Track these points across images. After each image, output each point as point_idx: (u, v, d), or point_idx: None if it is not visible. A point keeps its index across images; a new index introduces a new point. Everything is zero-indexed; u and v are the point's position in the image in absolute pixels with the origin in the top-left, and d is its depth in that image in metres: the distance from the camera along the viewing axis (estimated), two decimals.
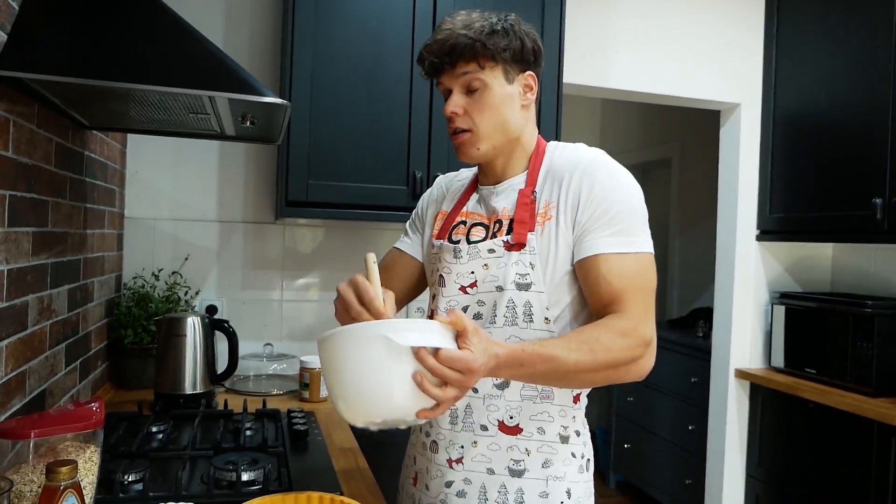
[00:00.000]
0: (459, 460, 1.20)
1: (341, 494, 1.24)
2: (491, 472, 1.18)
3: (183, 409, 1.85)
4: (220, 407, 1.90)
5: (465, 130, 1.19)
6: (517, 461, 1.17)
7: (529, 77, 1.20)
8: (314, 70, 2.10)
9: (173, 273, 2.35)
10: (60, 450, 1.06)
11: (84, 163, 1.76)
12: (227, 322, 2.02)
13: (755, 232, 2.98)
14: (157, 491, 1.25)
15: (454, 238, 1.27)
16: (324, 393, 2.11)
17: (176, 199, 2.39)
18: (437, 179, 1.43)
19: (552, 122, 2.28)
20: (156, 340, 2.06)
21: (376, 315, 1.03)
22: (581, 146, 1.23)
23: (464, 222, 1.28)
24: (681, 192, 4.39)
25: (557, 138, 2.25)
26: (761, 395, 2.89)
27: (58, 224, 1.55)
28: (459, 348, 0.94)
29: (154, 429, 1.63)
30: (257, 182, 2.46)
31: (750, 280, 2.98)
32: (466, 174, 1.37)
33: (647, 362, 1.10)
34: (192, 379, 1.91)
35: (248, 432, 1.64)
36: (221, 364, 2.03)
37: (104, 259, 2.05)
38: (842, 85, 2.62)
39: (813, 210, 2.73)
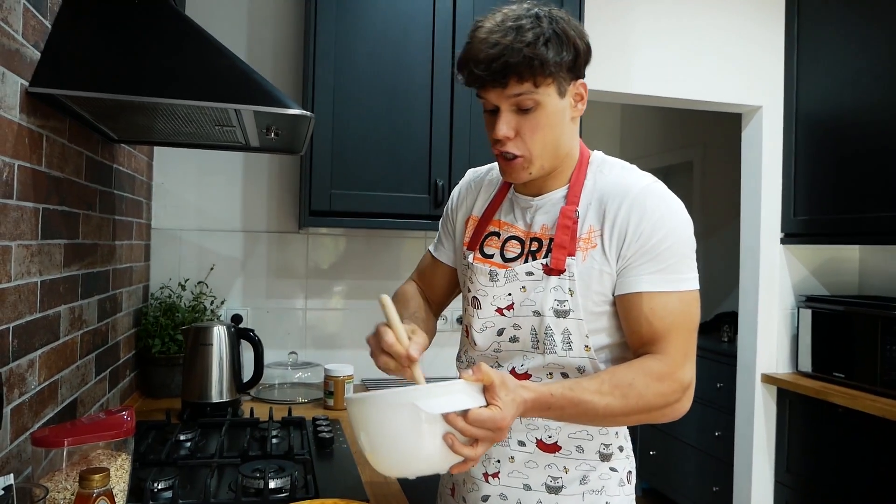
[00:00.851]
0: (496, 475, 1.18)
1: (368, 502, 1.25)
2: (527, 487, 1.16)
3: (210, 418, 1.87)
4: (247, 415, 1.93)
5: (516, 156, 1.10)
6: (555, 478, 1.15)
7: (581, 86, 1.12)
8: (336, 80, 2.12)
9: (199, 283, 2.38)
10: (93, 458, 1.08)
11: (113, 175, 1.80)
12: (252, 331, 2.05)
13: (779, 235, 2.95)
14: (187, 498, 1.27)
15: (486, 251, 1.21)
16: None
17: (201, 209, 2.43)
18: (466, 174, 1.36)
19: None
20: (182, 350, 2.09)
21: (398, 357, 1.02)
22: (632, 169, 1.17)
23: (497, 233, 1.22)
24: (703, 195, 4.35)
25: None
26: (789, 400, 2.85)
27: (88, 236, 1.58)
28: (488, 403, 0.93)
29: (182, 437, 1.65)
30: (280, 192, 2.49)
31: (775, 284, 2.95)
32: (497, 171, 1.28)
33: (683, 406, 1.07)
34: (218, 387, 1.94)
35: (274, 440, 1.66)
36: (247, 373, 2.05)
37: (132, 270, 2.08)
38: (865, 85, 2.59)
39: (838, 212, 2.69)
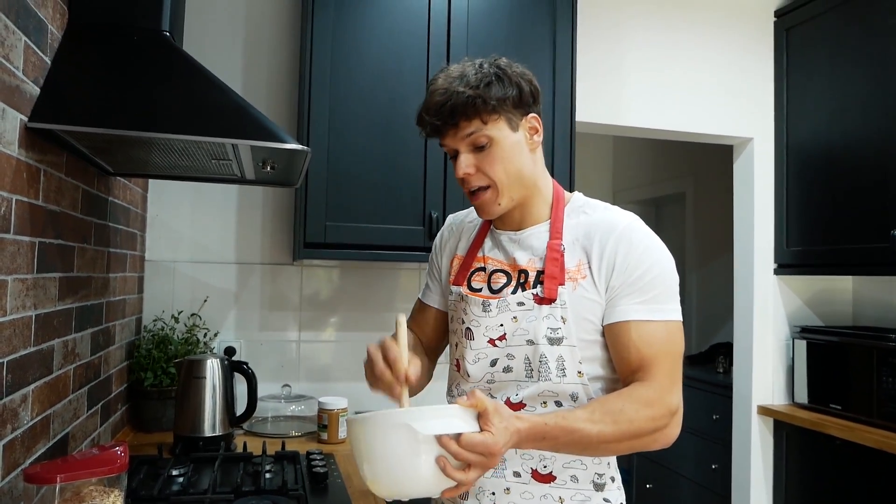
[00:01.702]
0: None
1: None
2: None
3: (203, 452, 1.84)
4: (240, 449, 1.90)
5: (483, 188, 1.17)
6: None
7: (533, 119, 1.19)
8: (331, 112, 2.14)
9: (192, 315, 2.37)
10: (85, 494, 1.07)
11: (108, 208, 1.80)
12: (246, 364, 2.03)
13: (773, 265, 2.97)
14: None
15: (474, 286, 1.25)
16: (342, 434, 2.10)
17: (195, 241, 2.43)
18: (447, 220, 1.42)
19: (566, 161, 2.30)
20: (175, 382, 2.08)
21: (398, 375, 1.05)
22: (614, 209, 1.23)
23: (482, 268, 1.26)
24: (696, 226, 4.38)
25: (571, 177, 2.27)
26: (786, 432, 2.83)
27: (82, 269, 1.58)
28: (482, 429, 0.95)
29: (174, 472, 1.62)
30: (274, 224, 2.50)
31: (769, 314, 2.96)
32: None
33: (673, 431, 1.10)
34: (211, 421, 1.92)
35: (267, 475, 1.64)
36: (240, 406, 2.03)
37: (125, 302, 2.07)
38: (854, 117, 2.63)
39: (830, 243, 2.72)
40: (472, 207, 1.35)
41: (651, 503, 3.91)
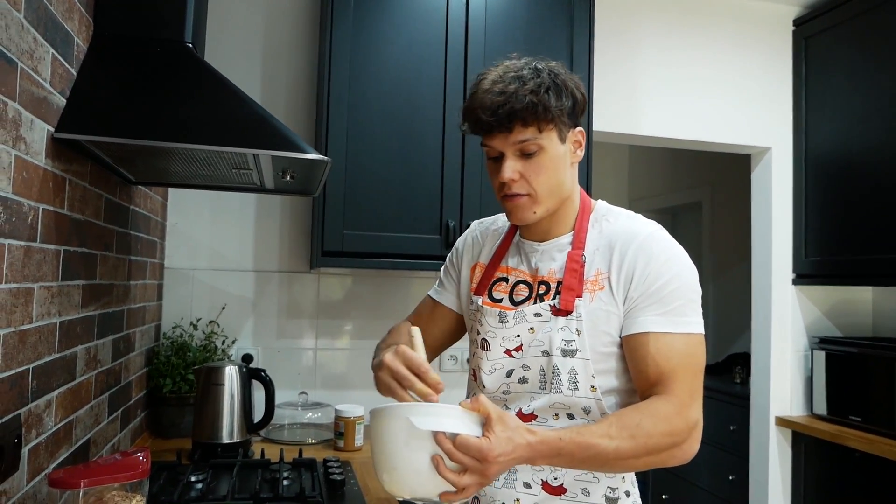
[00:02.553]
0: None
1: None
2: None
3: (221, 458, 1.86)
4: (257, 456, 1.92)
5: (522, 195, 1.14)
6: None
7: (579, 133, 1.17)
8: (349, 123, 2.16)
9: (211, 322, 2.40)
10: (108, 499, 1.08)
11: (129, 216, 1.83)
12: (264, 371, 2.05)
13: (791, 276, 2.94)
14: None
15: (495, 296, 1.24)
16: (358, 442, 2.11)
17: (214, 249, 2.45)
18: (472, 226, 1.40)
19: (583, 169, 2.30)
20: (193, 389, 2.10)
21: (433, 385, 1.03)
22: (637, 217, 1.21)
23: (505, 279, 1.25)
24: (712, 235, 4.36)
25: (588, 186, 2.27)
26: (804, 444, 2.80)
27: (105, 276, 1.60)
28: (483, 435, 0.95)
29: (193, 478, 1.64)
30: (292, 232, 2.52)
31: (787, 325, 2.93)
32: (502, 221, 1.33)
33: (692, 447, 1.07)
34: (229, 428, 1.93)
35: (285, 482, 1.65)
36: (257, 413, 2.04)
37: (145, 309, 2.10)
38: (873, 126, 2.61)
39: (849, 253, 2.69)
40: (497, 216, 1.35)
41: None
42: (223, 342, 2.38)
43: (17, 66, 1.05)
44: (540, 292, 1.19)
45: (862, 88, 2.67)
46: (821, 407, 2.81)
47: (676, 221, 4.92)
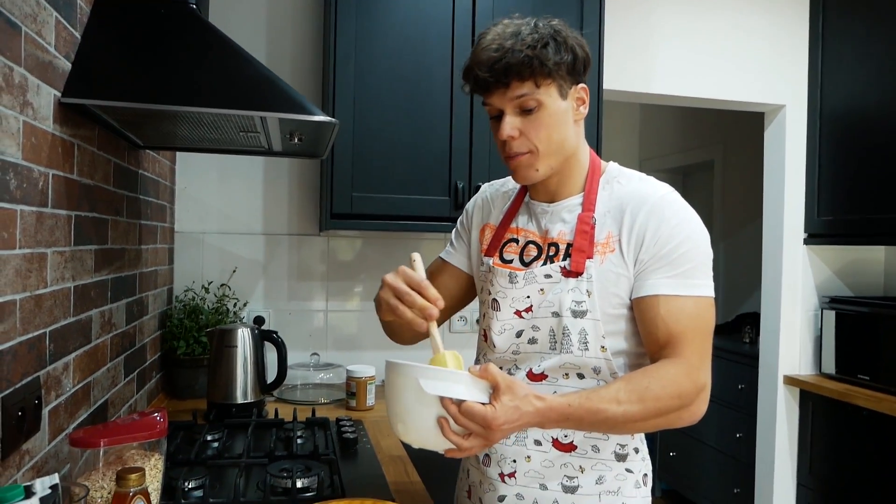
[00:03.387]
0: (512, 475, 1.19)
1: (394, 502, 1.26)
2: (543, 487, 1.17)
3: (236, 418, 1.90)
4: (271, 416, 1.95)
5: (524, 153, 1.14)
6: (570, 478, 1.17)
7: (582, 90, 1.16)
8: (356, 84, 2.14)
9: (222, 285, 2.42)
10: (127, 458, 1.11)
11: (139, 181, 1.83)
12: (275, 333, 2.07)
13: (803, 235, 2.93)
14: (217, 497, 1.30)
15: (506, 257, 1.24)
16: (370, 402, 2.14)
17: (223, 213, 2.46)
18: (482, 188, 1.39)
19: (592, 129, 2.28)
20: (207, 351, 2.13)
21: (433, 300, 1.04)
22: (649, 180, 1.19)
23: (515, 240, 1.25)
24: (724, 195, 4.32)
25: (598, 145, 2.25)
26: (812, 403, 2.82)
27: (116, 241, 1.61)
28: (490, 403, 0.96)
29: (209, 437, 1.68)
30: (300, 195, 2.52)
31: (798, 285, 2.92)
32: (513, 183, 1.33)
33: (699, 409, 1.08)
34: (243, 388, 1.97)
35: (299, 440, 1.68)
36: (270, 374, 2.08)
37: (157, 273, 2.12)
38: (891, 83, 2.56)
39: (863, 212, 2.66)
40: (507, 178, 1.34)
41: (674, 471, 3.94)
42: (235, 305, 2.40)
43: (21, 30, 1.04)
44: (550, 254, 1.19)
45: (880, 41, 2.61)
46: (829, 366, 2.82)
47: (688, 181, 4.87)
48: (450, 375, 0.97)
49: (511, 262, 1.24)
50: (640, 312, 1.12)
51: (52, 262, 1.18)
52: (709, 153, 4.41)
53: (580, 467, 1.17)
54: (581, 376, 1.15)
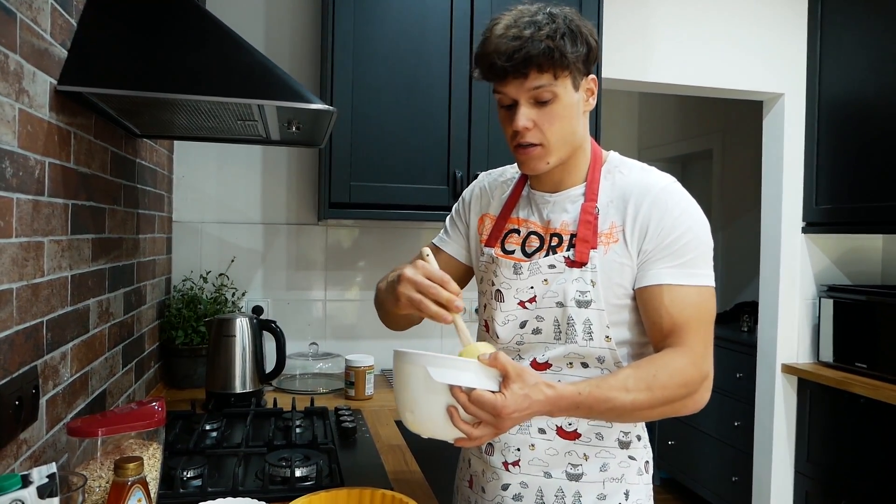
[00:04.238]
0: (516, 463, 1.20)
1: (393, 491, 1.26)
2: (548, 475, 1.18)
3: (235, 408, 1.90)
4: (270, 405, 1.95)
5: (535, 144, 1.12)
6: (575, 465, 1.17)
7: (591, 81, 1.15)
8: (354, 73, 2.13)
9: (220, 275, 2.41)
10: (125, 447, 1.11)
11: (136, 170, 1.82)
12: (274, 322, 2.07)
13: (801, 224, 2.93)
14: (215, 486, 1.30)
15: (508, 248, 1.24)
16: (369, 391, 2.15)
17: (221, 202, 2.45)
18: (480, 177, 1.38)
19: (592, 118, 2.25)
20: (205, 341, 2.13)
21: (455, 293, 1.02)
22: (651, 170, 1.19)
23: (517, 230, 1.24)
24: (723, 183, 4.32)
25: (598, 135, 2.24)
26: (810, 391, 2.83)
27: (114, 230, 1.60)
28: (500, 391, 0.96)
29: (208, 426, 1.68)
30: (299, 184, 2.51)
31: (796, 273, 2.93)
32: (511, 172, 1.32)
33: (703, 397, 1.10)
34: (241, 378, 1.97)
35: (298, 430, 1.68)
36: (269, 363, 2.08)
37: (155, 262, 2.11)
38: (890, 71, 2.55)
39: (861, 200, 2.66)
40: (505, 167, 1.34)
41: (673, 460, 3.95)
42: (233, 294, 2.40)
43: (17, 17, 1.03)
44: (552, 244, 1.19)
45: (879, 33, 2.60)
46: (827, 354, 2.83)
47: (687, 170, 4.87)
48: (458, 363, 0.97)
49: (513, 252, 1.23)
50: (643, 302, 1.13)
51: (49, 250, 1.18)
52: (708, 142, 4.40)
53: (584, 455, 1.17)
54: (585, 365, 1.16)
